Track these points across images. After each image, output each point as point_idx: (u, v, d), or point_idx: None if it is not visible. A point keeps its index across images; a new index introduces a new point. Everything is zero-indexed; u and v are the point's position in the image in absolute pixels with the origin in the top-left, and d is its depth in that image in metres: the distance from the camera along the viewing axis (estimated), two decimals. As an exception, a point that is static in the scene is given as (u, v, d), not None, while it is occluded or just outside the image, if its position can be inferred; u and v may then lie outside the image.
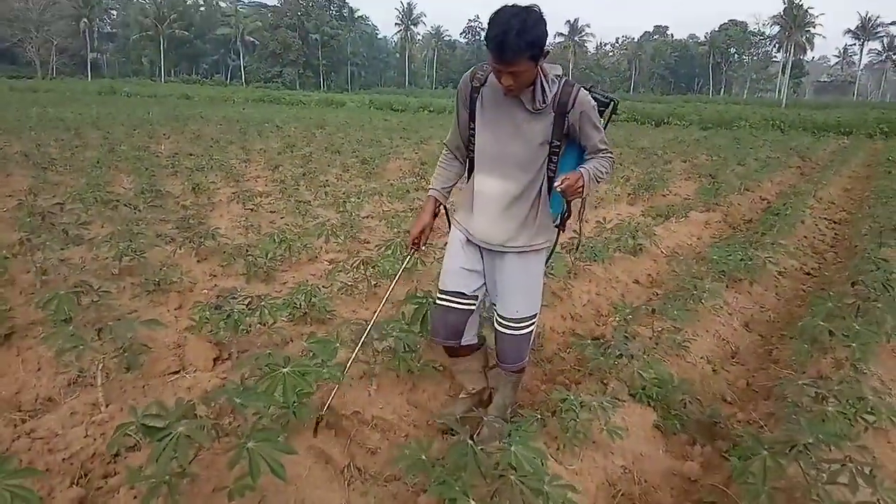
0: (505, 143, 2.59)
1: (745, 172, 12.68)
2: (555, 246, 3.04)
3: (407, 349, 3.28)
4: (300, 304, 4.17)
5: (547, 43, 2.35)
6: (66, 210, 6.61)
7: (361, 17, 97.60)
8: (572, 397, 2.91)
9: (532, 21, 2.27)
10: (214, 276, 5.34)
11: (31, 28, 71.38)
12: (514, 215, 2.68)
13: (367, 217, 7.86)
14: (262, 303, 3.68)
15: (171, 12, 77.54)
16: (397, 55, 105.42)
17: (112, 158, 11.13)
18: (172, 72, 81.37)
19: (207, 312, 3.76)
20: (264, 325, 3.78)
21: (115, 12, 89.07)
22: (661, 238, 7.48)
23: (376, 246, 5.76)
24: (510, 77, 2.36)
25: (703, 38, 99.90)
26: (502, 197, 2.65)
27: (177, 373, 3.59)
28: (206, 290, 4.88)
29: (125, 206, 7.36)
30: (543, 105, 2.50)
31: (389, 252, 4.99)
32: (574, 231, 3.08)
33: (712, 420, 3.40)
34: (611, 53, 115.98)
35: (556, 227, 2.90)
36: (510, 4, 2.32)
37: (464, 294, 2.90)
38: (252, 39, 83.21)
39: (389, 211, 8.03)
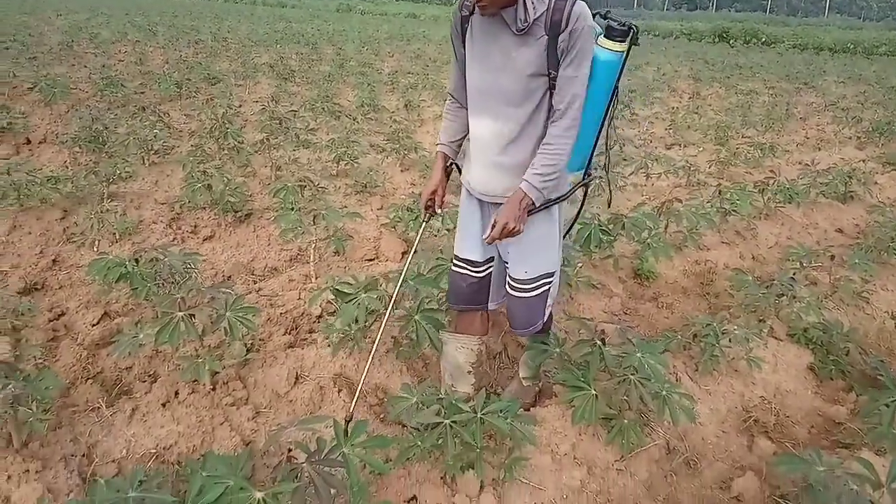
0: (493, 77, 2.20)
1: None
2: (585, 198, 2.60)
3: (567, 263, 3.56)
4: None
5: None
6: (298, 117, 7.62)
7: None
8: (715, 324, 3.04)
9: None
10: (413, 184, 5.96)
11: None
12: (511, 161, 2.28)
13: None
14: (446, 210, 4.14)
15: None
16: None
17: (341, 73, 12.26)
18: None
19: (401, 213, 4.33)
20: (448, 229, 4.27)
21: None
22: (883, 188, 6.83)
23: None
24: None
25: None
26: (496, 140, 2.27)
27: (372, 260, 4.24)
28: (403, 196, 5.50)
29: (346, 117, 8.25)
30: (526, 23, 2.07)
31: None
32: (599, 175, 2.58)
33: (876, 371, 3.31)
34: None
35: (583, 174, 2.47)
36: None
37: (475, 262, 2.57)
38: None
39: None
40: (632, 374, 2.43)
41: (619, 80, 2.23)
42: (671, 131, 9.09)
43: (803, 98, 13.56)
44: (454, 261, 2.63)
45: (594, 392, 2.44)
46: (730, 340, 3.04)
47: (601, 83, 2.20)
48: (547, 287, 2.47)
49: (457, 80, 2.43)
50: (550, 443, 2.49)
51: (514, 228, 2.17)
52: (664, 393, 2.44)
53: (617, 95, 2.28)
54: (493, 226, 2.20)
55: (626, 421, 2.50)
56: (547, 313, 2.55)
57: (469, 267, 2.58)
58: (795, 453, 2.26)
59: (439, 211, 2.59)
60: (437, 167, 2.54)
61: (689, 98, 12.95)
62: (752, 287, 3.56)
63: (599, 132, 2.36)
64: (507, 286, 2.51)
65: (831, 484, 2.00)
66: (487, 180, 2.36)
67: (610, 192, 2.68)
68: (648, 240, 3.86)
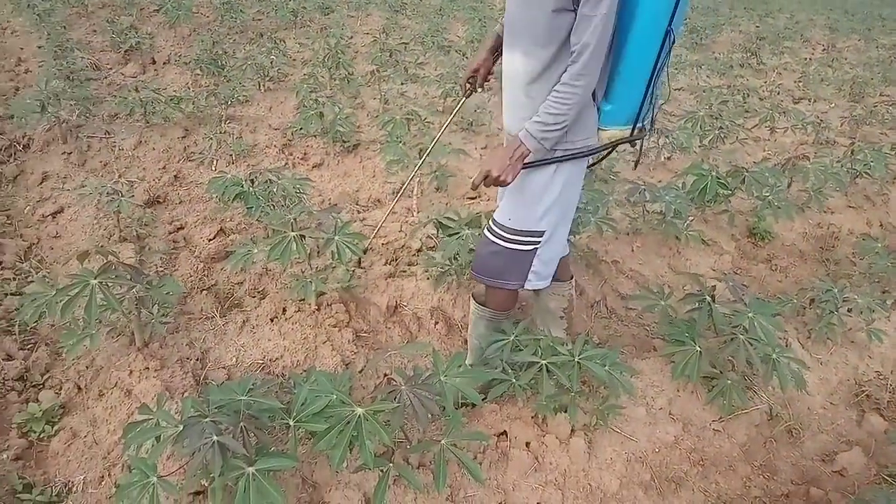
0: (522, 11, 2.04)
1: None
2: (629, 145, 2.28)
3: (676, 215, 3.42)
4: (589, 160, 4.45)
5: None
6: (408, 50, 7.58)
7: None
8: (836, 290, 2.85)
9: None
10: (520, 124, 5.85)
11: None
12: (531, 100, 2.06)
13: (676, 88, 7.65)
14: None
15: None
16: None
17: (452, 7, 12.06)
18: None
19: (506, 152, 4.26)
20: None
21: None
22: None
23: (678, 117, 5.70)
24: None
25: None
26: (519, 77, 2.09)
27: (473, 199, 4.21)
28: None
29: (456, 52, 8.13)
30: None
31: (689, 125, 4.96)
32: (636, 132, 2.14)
33: None
34: None
35: (631, 129, 2.11)
36: None
37: None
38: None
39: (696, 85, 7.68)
40: (741, 334, 2.33)
41: (673, 19, 1.91)
42: (801, 84, 8.43)
43: (957, 55, 12.21)
44: None
45: (698, 349, 2.36)
46: (849, 310, 2.86)
47: (650, 22, 1.91)
48: (526, 248, 2.18)
49: None
50: (646, 395, 2.44)
51: (498, 177, 1.95)
52: (774, 356, 2.33)
53: (672, 38, 1.94)
54: (477, 175, 2.00)
55: (728, 381, 2.41)
56: (522, 278, 2.23)
57: None
58: (916, 433, 2.11)
59: (479, 90, 2.49)
60: (485, 45, 2.41)
61: (823, 50, 11.94)
62: (879, 255, 3.30)
63: (651, 81, 2.02)
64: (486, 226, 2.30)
65: (954, 470, 1.86)
66: (509, 118, 2.19)
67: (640, 152, 2.40)
68: (770, 197, 3.64)
